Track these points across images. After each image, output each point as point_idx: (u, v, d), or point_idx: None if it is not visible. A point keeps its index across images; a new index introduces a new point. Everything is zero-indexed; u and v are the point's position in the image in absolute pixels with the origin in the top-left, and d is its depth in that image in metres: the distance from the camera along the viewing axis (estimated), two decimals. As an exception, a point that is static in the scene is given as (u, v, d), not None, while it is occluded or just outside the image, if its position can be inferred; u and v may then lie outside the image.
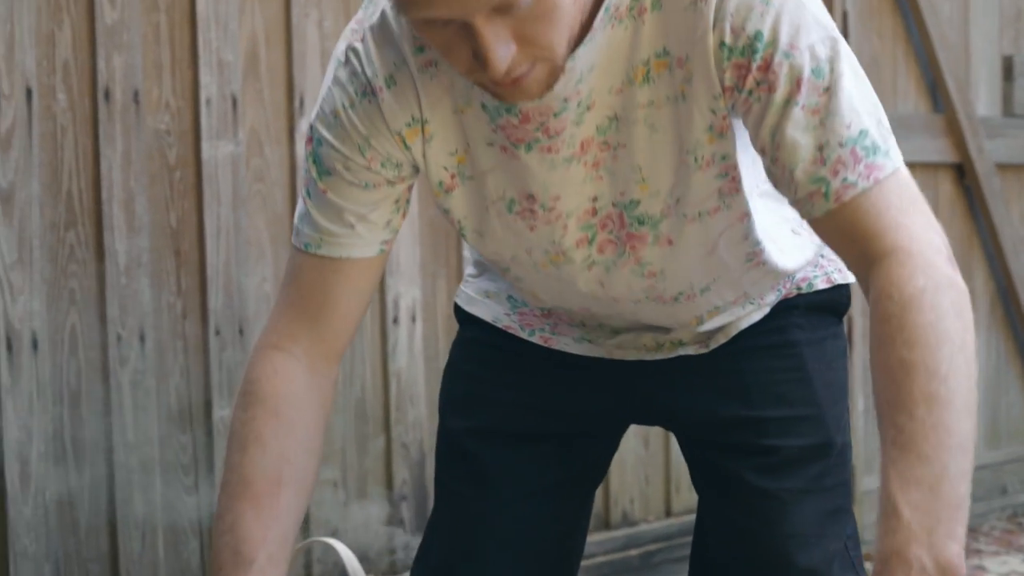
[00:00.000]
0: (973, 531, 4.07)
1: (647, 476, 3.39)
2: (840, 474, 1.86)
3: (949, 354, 1.39)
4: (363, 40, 1.61)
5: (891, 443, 1.37)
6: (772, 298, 1.83)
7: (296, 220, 1.68)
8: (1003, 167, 4.14)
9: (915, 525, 1.33)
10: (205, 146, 2.64)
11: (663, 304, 1.76)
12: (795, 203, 1.52)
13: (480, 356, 1.95)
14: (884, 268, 1.45)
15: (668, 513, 3.44)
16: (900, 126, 3.81)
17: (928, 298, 1.42)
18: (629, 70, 1.54)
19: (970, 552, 3.85)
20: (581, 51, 1.51)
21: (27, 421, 2.45)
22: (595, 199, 1.64)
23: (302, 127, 2.75)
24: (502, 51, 1.41)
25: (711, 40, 1.49)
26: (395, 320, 2.90)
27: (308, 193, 1.66)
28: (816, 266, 1.87)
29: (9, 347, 2.42)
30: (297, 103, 2.75)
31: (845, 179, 1.47)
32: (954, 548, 1.32)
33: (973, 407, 1.40)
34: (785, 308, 1.85)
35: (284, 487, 1.61)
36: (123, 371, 2.55)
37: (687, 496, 3.46)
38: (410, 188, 1.69)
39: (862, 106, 1.49)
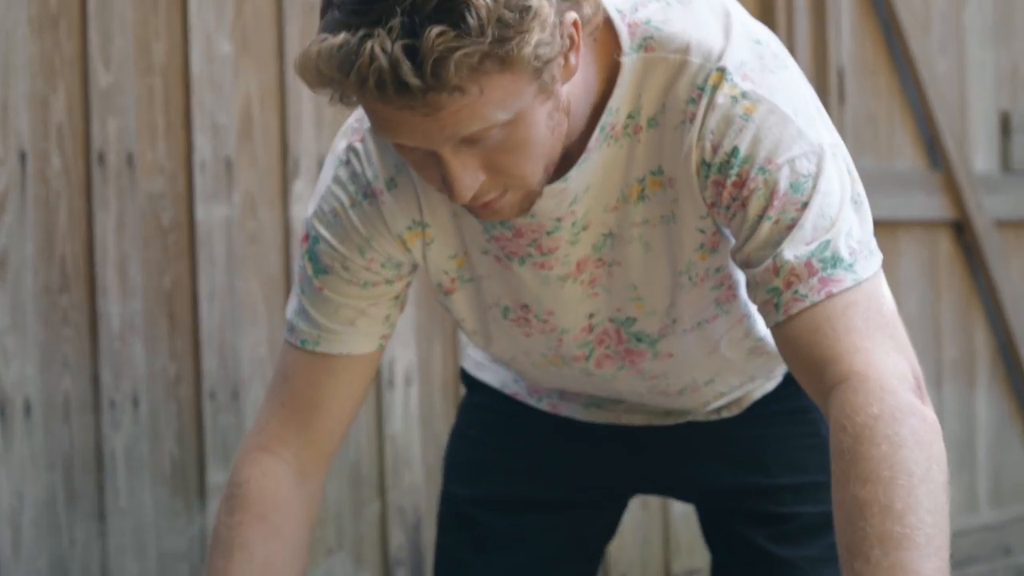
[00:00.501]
0: (976, 591, 4.04)
1: (646, 538, 3.36)
2: None
3: (906, 488, 1.30)
4: (363, 140, 1.58)
5: None
6: (782, 370, 1.82)
7: (290, 316, 1.65)
8: (1002, 223, 4.13)
9: None
10: (199, 209, 2.63)
11: (667, 396, 1.76)
12: (759, 311, 1.49)
13: (486, 422, 1.93)
14: (838, 396, 1.38)
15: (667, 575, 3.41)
16: (897, 183, 3.81)
17: (882, 427, 1.33)
18: (624, 187, 1.52)
19: (974, 612, 3.81)
20: (575, 173, 1.49)
21: (20, 487, 2.43)
22: (591, 315, 1.63)
23: (296, 189, 2.74)
24: (468, 180, 1.39)
25: (693, 158, 1.47)
26: (390, 383, 2.89)
27: (303, 290, 1.63)
28: None
29: (2, 412, 2.41)
30: (291, 165, 2.75)
31: (796, 291, 1.42)
32: None
33: (940, 541, 1.29)
34: None
35: None
36: (116, 436, 2.53)
37: (686, 559, 3.43)
38: (408, 285, 1.66)
39: (839, 213, 1.44)
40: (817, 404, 1.44)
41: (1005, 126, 4.24)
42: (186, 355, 2.63)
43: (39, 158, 2.46)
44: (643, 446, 1.85)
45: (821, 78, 3.69)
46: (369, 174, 1.58)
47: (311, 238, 1.61)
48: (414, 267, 1.64)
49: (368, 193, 1.57)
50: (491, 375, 1.92)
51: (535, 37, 1.31)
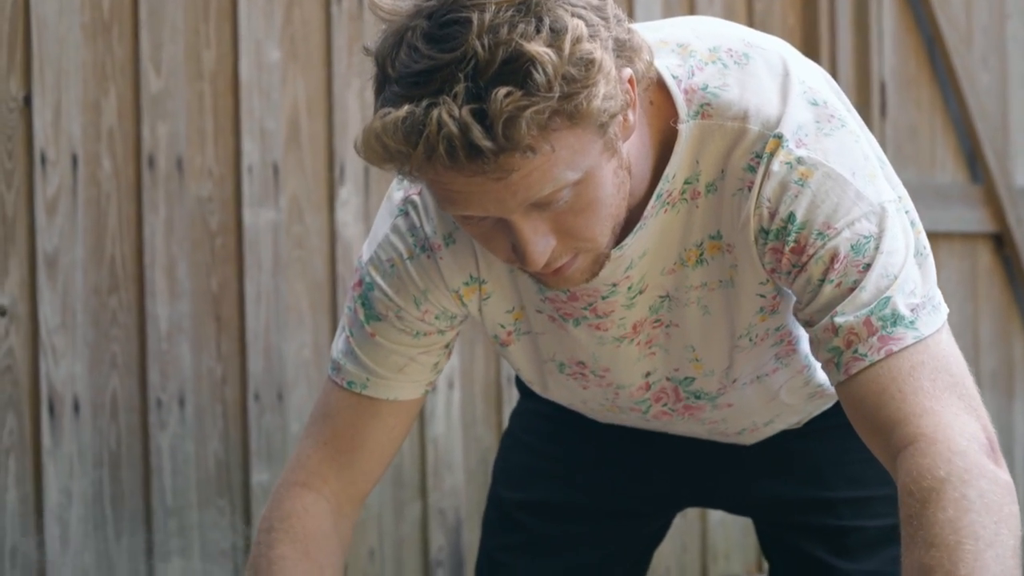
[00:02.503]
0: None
1: (684, 544, 3.37)
2: None
3: (972, 552, 1.25)
4: (421, 194, 1.56)
5: None
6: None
7: (336, 355, 1.63)
8: (1043, 237, 4.13)
9: None
10: (246, 213, 2.66)
11: (727, 436, 1.76)
12: (823, 369, 1.47)
13: (541, 429, 1.91)
14: (905, 460, 1.34)
15: (705, 582, 3.42)
16: (938, 196, 3.81)
17: (949, 491, 1.29)
18: (682, 252, 1.51)
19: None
20: (631, 240, 1.47)
21: (67, 484, 2.46)
22: (648, 374, 1.62)
23: (342, 195, 2.77)
24: (540, 245, 1.37)
25: (752, 226, 1.45)
26: (433, 386, 2.90)
27: (352, 333, 1.62)
28: None
29: (52, 410, 2.44)
30: (338, 171, 2.77)
31: (856, 351, 1.40)
32: None
33: None
34: None
35: None
36: (163, 435, 2.56)
37: (723, 565, 3.44)
38: (459, 333, 1.65)
39: (901, 271, 1.42)
40: (886, 467, 1.41)
41: (1046, 140, 4.23)
42: (232, 357, 2.66)
43: (90, 161, 2.49)
44: (701, 458, 1.83)
45: (863, 91, 3.69)
46: (428, 229, 1.55)
47: (365, 284, 1.59)
48: (467, 317, 1.62)
49: (426, 247, 1.55)
50: None
51: (601, 90, 1.29)
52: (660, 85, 1.46)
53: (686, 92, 1.46)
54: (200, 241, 2.61)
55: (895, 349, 1.38)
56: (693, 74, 1.47)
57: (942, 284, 1.53)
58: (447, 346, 1.64)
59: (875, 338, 1.39)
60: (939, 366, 1.39)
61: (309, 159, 2.75)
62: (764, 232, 1.45)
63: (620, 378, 1.62)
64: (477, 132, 1.26)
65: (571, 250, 1.40)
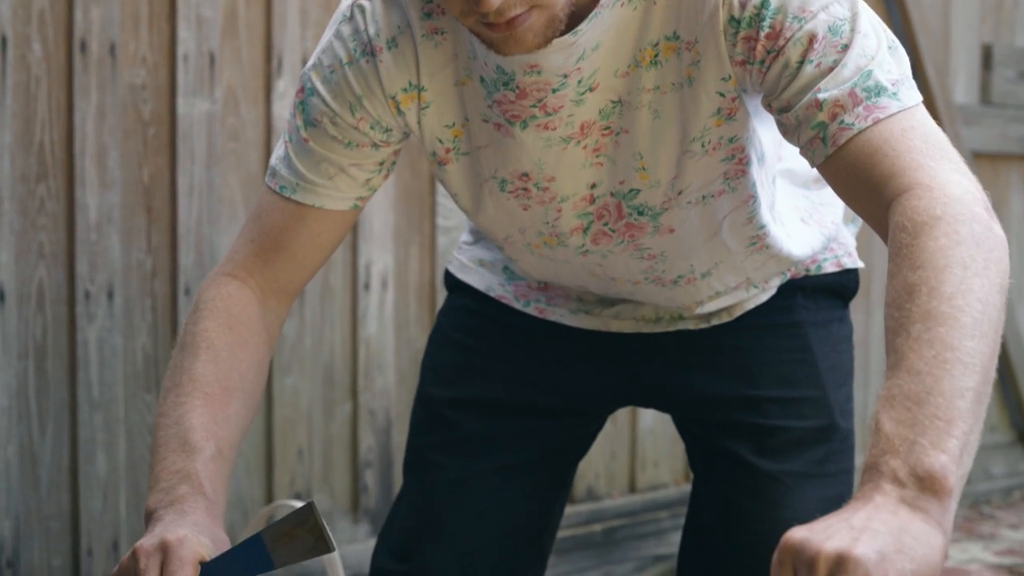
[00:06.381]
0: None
1: (613, 452, 3.38)
2: (843, 461, 1.83)
3: (959, 276, 1.25)
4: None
5: (888, 368, 1.23)
6: (777, 282, 1.81)
7: (273, 161, 1.67)
8: (979, 155, 4.14)
9: (895, 438, 1.17)
10: (181, 103, 2.61)
11: (662, 286, 1.74)
12: (802, 153, 1.47)
13: (470, 325, 1.92)
14: (900, 203, 1.34)
15: (632, 489, 3.44)
16: (878, 110, 3.81)
17: (943, 226, 1.29)
18: (636, 52, 1.51)
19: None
20: (585, 26, 1.47)
21: (-9, 374, 2.42)
22: (594, 186, 1.62)
23: (279, 87, 2.72)
24: None
25: (720, 17, 1.46)
26: (366, 286, 2.88)
27: (290, 139, 1.65)
28: (826, 249, 1.84)
29: (-25, 299, 2.40)
30: (275, 63, 2.72)
31: (842, 121, 1.40)
32: (940, 458, 1.15)
33: (989, 330, 1.23)
34: (791, 289, 1.83)
35: (235, 395, 1.59)
36: (90, 328, 2.52)
37: (652, 473, 3.46)
38: (396, 153, 1.67)
39: (877, 52, 1.43)
40: (877, 231, 1.41)
41: (987, 59, 4.24)
42: (163, 249, 2.61)
43: (20, 44, 2.42)
44: (630, 354, 1.84)
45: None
46: (371, 31, 1.58)
47: (306, 90, 1.63)
48: (405, 135, 1.65)
49: (367, 51, 1.58)
50: (476, 278, 1.91)
51: None
52: None
53: None
54: (132, 130, 2.56)
55: (882, 117, 1.39)
56: None
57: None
58: (381, 163, 1.66)
59: (861, 107, 1.40)
60: (929, 132, 1.40)
61: (246, 49, 2.70)
62: (735, 21, 1.46)
63: (564, 188, 1.62)
64: None
65: (526, 2, 1.40)
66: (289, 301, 1.71)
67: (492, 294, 1.89)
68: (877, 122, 1.39)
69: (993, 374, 1.24)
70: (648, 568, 3.36)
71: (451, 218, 2.97)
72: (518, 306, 1.87)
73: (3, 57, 2.40)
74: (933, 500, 1.14)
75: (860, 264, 1.88)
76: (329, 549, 1.30)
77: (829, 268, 1.84)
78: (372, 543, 2.49)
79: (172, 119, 2.60)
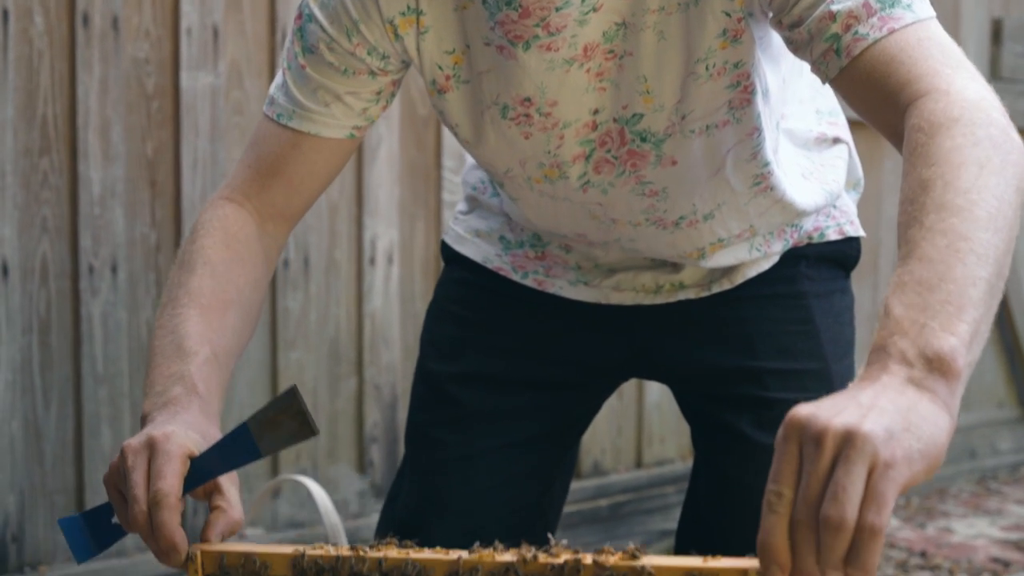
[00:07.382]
0: (941, 493, 4.08)
1: (620, 427, 3.37)
2: None
3: (975, 174, 1.23)
4: None
5: (900, 258, 1.21)
6: (779, 247, 1.79)
7: (272, 89, 1.67)
8: (987, 130, 4.12)
9: (904, 320, 1.14)
10: (184, 76, 2.59)
11: (664, 229, 1.72)
12: (814, 69, 1.45)
13: (468, 297, 1.89)
14: (916, 106, 1.32)
15: (639, 464, 3.43)
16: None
17: (960, 127, 1.26)
18: None
19: (938, 514, 3.85)
20: None
21: (-5, 349, 2.42)
22: (596, 112, 1.60)
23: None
24: None
25: None
26: (372, 261, 2.87)
27: (288, 66, 1.65)
28: (828, 216, 1.82)
29: (-22, 273, 2.39)
30: (279, 36, 2.71)
31: (856, 32, 1.38)
32: (949, 340, 1.13)
33: (1004, 225, 1.21)
34: (793, 258, 1.81)
35: (231, 307, 1.58)
36: (94, 302, 2.51)
37: (658, 448, 3.45)
38: (395, 83, 1.66)
39: None
40: (892, 141, 1.39)
41: (996, 34, 4.21)
42: (166, 223, 2.61)
43: (22, 17, 2.41)
44: (630, 326, 1.83)
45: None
46: None
47: (304, 16, 1.61)
48: (404, 64, 1.63)
49: None
50: (473, 249, 1.89)
51: None
52: None
53: None
54: (136, 104, 2.55)
55: (897, 27, 1.37)
56: None
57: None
58: (379, 92, 1.65)
59: (875, 18, 1.38)
60: (945, 43, 1.38)
61: (250, 22, 2.68)
62: None
63: (566, 114, 1.60)
64: None
65: None
66: (287, 227, 1.71)
67: (489, 265, 1.87)
68: (892, 32, 1.37)
69: (1007, 272, 1.23)
70: (654, 543, 3.35)
71: (457, 192, 2.96)
72: (516, 278, 1.85)
73: (5, 30, 2.39)
74: (941, 381, 1.12)
75: (862, 233, 1.87)
76: (313, 433, 1.31)
77: (832, 236, 1.83)
78: (376, 518, 2.48)
79: (176, 92, 2.59)
